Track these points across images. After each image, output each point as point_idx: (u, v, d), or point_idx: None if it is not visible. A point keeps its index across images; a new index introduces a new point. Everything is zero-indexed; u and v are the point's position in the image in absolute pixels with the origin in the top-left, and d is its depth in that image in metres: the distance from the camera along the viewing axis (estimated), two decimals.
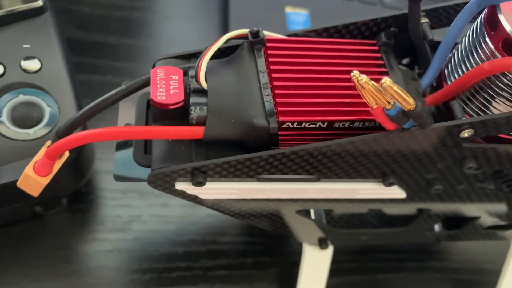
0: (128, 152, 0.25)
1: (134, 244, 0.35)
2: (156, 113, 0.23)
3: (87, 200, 0.36)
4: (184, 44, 0.44)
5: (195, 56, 0.25)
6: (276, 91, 0.23)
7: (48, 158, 0.23)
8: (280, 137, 0.23)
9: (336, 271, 0.36)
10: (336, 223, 0.33)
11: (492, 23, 0.23)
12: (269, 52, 0.24)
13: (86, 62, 0.41)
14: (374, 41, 0.26)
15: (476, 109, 0.24)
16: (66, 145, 0.22)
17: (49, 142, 0.23)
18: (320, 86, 0.24)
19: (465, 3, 0.24)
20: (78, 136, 0.22)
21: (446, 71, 0.26)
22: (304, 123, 0.23)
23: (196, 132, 0.22)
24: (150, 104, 0.24)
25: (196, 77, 0.23)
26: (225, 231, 0.36)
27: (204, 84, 0.23)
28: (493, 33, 0.23)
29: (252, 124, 0.22)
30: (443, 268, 0.38)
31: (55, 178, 0.24)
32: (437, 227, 0.34)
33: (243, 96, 0.23)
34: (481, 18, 0.24)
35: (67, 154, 0.24)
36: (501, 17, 0.22)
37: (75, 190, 0.34)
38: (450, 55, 0.26)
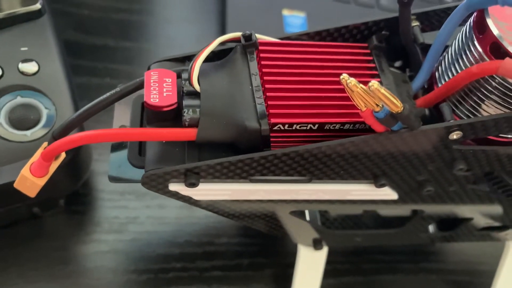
0: (123, 154, 0.26)
1: (131, 245, 0.35)
2: (150, 115, 0.23)
3: (85, 201, 0.36)
4: (182, 47, 0.44)
5: (189, 59, 0.26)
6: (267, 94, 0.23)
7: (44, 160, 0.23)
8: (271, 139, 0.23)
9: (330, 272, 0.36)
10: (331, 224, 0.33)
11: (481, 27, 0.23)
12: (261, 55, 0.25)
13: (84, 64, 0.41)
14: (365, 44, 0.26)
15: (466, 112, 0.24)
16: (62, 146, 0.23)
17: (45, 144, 0.23)
18: (311, 89, 0.24)
19: (455, 7, 0.24)
20: (73, 138, 0.22)
21: (437, 74, 0.26)
22: (295, 125, 0.23)
23: (189, 134, 0.23)
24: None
25: (189, 79, 0.23)
26: (221, 232, 0.37)
27: (197, 87, 0.23)
28: (481, 36, 0.23)
29: (244, 126, 0.23)
30: (438, 270, 0.39)
31: (52, 179, 0.24)
32: (431, 229, 0.34)
33: (236, 99, 0.23)
34: (470, 22, 0.24)
35: (63, 155, 0.24)
36: (489, 21, 0.22)
37: (72, 191, 0.34)
38: (441, 57, 0.26)
